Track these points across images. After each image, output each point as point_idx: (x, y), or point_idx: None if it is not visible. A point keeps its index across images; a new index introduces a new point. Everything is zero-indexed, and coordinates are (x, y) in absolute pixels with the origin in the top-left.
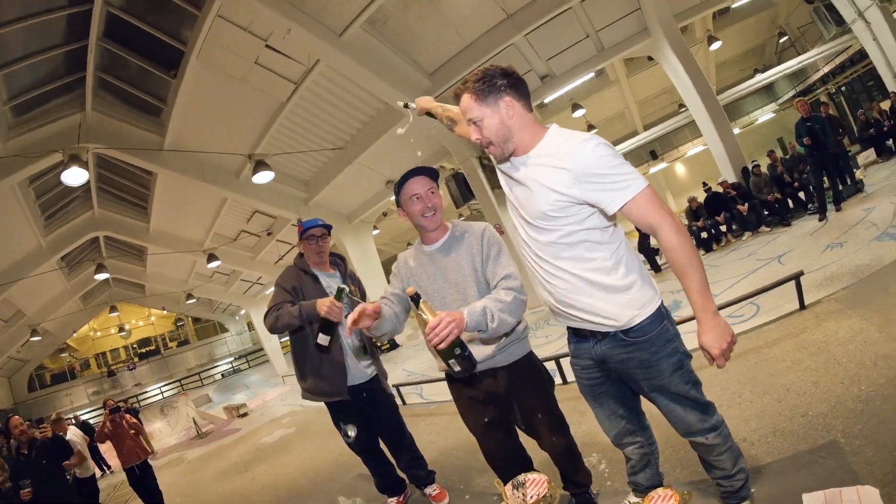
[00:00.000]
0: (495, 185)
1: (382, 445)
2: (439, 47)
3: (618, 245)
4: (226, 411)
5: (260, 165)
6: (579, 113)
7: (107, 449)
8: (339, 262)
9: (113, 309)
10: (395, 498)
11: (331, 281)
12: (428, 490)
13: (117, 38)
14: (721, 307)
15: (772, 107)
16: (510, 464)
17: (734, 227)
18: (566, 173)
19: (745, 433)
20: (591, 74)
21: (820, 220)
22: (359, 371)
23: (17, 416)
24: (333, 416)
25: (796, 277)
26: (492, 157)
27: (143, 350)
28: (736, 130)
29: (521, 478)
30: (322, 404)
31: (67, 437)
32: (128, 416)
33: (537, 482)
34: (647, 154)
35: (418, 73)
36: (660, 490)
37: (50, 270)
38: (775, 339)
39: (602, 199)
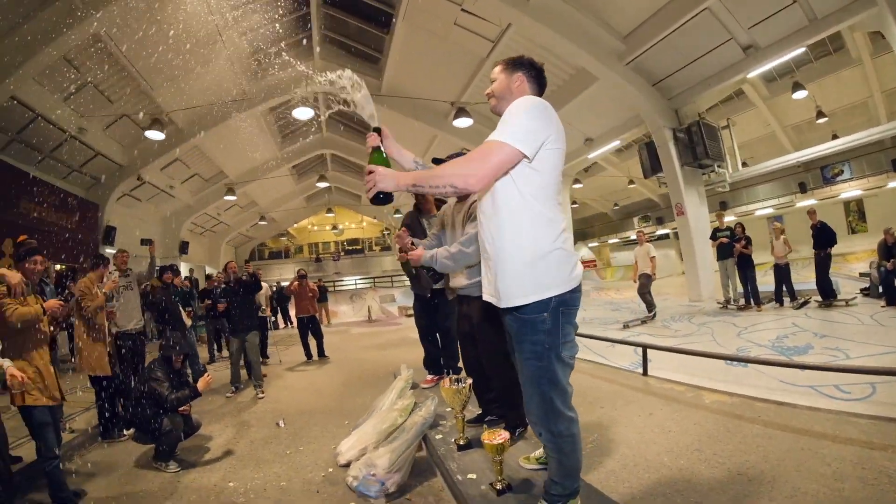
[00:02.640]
0: (686, 160)
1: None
2: (631, 10)
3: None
4: (399, 310)
5: (461, 112)
6: (800, 94)
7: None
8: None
9: (329, 210)
10: (431, 376)
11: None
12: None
13: (336, 3)
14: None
15: None
16: (475, 372)
17: None
18: None
19: None
20: (802, 49)
21: None
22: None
23: (232, 262)
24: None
25: None
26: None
27: (350, 248)
28: None
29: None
30: None
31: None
32: (309, 282)
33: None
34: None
35: (611, 36)
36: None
37: (282, 175)
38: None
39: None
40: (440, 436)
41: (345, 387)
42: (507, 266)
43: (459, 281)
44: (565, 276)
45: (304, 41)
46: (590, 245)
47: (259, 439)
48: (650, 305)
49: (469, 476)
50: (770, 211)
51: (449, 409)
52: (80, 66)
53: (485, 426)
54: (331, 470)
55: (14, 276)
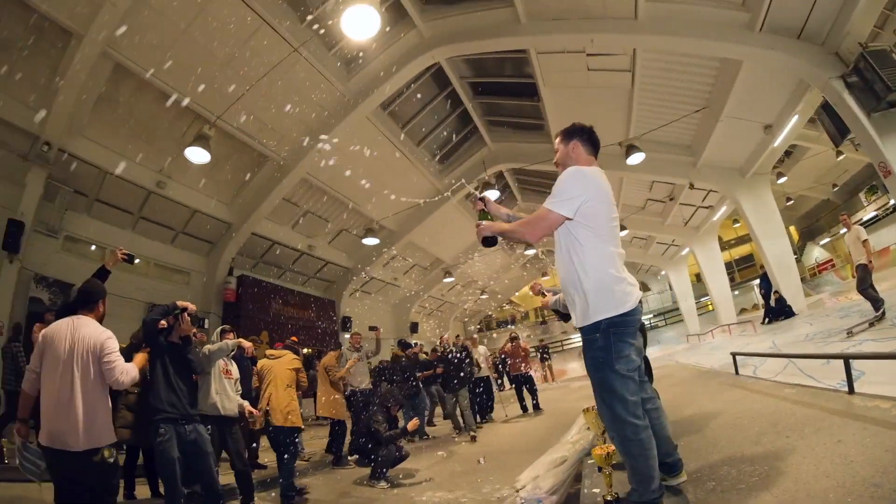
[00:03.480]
0: (870, 106)
1: None
2: None
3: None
4: None
5: (631, 149)
6: None
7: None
8: None
9: (544, 274)
10: None
11: None
12: None
13: (482, 92)
14: None
15: None
16: None
17: None
18: None
19: None
20: None
21: None
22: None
23: (445, 336)
24: None
25: None
26: None
27: None
28: None
29: None
30: None
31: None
32: (522, 343)
33: None
34: None
35: (729, 10)
36: None
37: (493, 252)
38: None
39: None
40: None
41: (549, 431)
42: (571, 296)
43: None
44: (615, 302)
45: (473, 131)
46: (821, 243)
47: (459, 471)
48: (876, 302)
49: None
50: None
51: None
52: (297, 201)
53: None
54: (506, 492)
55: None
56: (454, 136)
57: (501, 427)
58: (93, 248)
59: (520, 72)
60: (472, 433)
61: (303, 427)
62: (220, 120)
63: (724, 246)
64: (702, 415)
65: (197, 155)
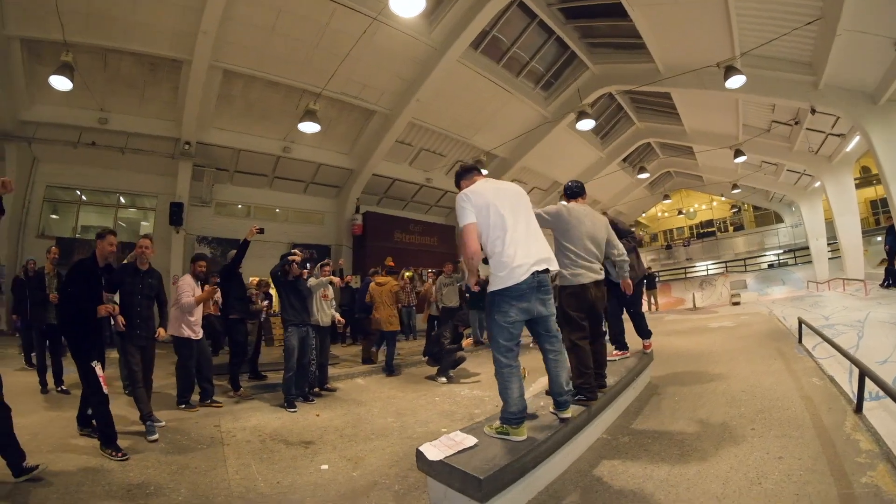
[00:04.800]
0: None
1: None
2: None
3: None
4: (732, 297)
5: (730, 71)
6: None
7: None
8: None
9: (665, 197)
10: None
11: None
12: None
13: (573, 16)
14: None
15: None
16: None
17: None
18: None
19: None
20: None
21: None
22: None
23: None
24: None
25: None
26: None
27: (703, 231)
28: None
29: None
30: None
31: None
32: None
33: None
34: None
35: None
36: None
37: (613, 172)
38: None
39: None
40: None
41: None
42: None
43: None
44: (499, 281)
45: (572, 56)
46: None
47: None
48: None
49: None
50: None
51: None
52: (410, 141)
53: None
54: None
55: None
56: (555, 63)
57: None
58: (239, 206)
59: None
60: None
61: (399, 329)
62: (324, 90)
63: (871, 181)
64: (713, 377)
65: (308, 127)
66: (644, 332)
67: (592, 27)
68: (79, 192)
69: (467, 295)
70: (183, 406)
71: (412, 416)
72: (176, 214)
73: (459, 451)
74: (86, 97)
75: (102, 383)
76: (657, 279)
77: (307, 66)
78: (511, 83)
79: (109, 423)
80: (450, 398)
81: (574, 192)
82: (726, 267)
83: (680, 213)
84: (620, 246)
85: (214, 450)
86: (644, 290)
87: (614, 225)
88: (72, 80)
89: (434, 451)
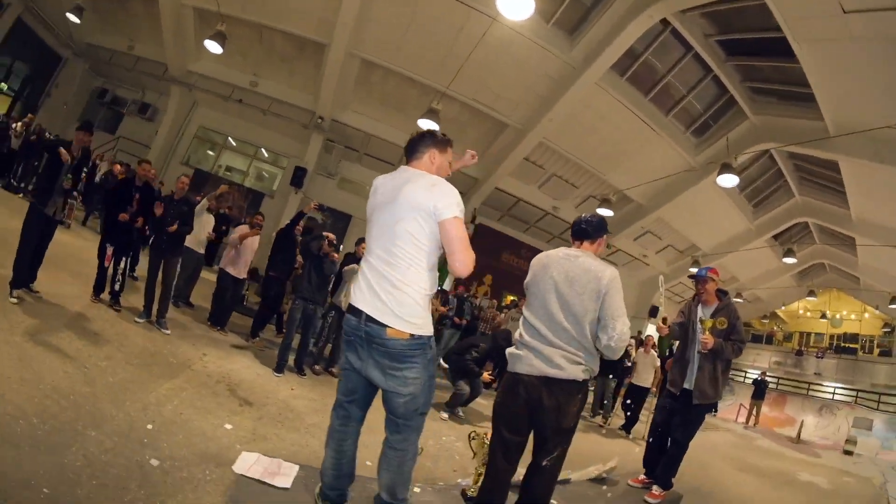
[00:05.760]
0: None
1: None
2: None
3: None
4: (846, 443)
5: None
6: None
7: None
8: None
9: (811, 293)
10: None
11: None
12: None
13: (733, 52)
14: None
15: None
16: None
17: None
18: None
19: None
20: None
21: None
22: None
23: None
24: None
25: None
26: None
27: (843, 345)
28: None
29: None
30: None
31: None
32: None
33: None
34: None
35: None
36: None
37: (760, 247)
38: None
39: None
40: None
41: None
42: None
43: None
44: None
45: (729, 103)
46: None
47: None
48: None
49: None
50: None
51: None
52: (542, 164)
53: None
54: None
55: None
56: (711, 106)
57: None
58: (365, 186)
59: (766, 23)
60: (601, 422)
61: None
62: (456, 93)
63: None
64: None
65: (425, 123)
66: (668, 474)
67: (755, 68)
68: (227, 138)
69: None
70: (209, 324)
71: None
72: (298, 178)
73: (264, 482)
74: (242, 62)
75: (105, 259)
76: (767, 386)
77: (441, 68)
78: (658, 121)
79: (100, 275)
80: (434, 438)
81: (578, 230)
82: (857, 396)
83: (823, 316)
84: (620, 328)
85: (175, 368)
86: (752, 398)
87: (730, 313)
88: (223, 46)
89: (247, 462)
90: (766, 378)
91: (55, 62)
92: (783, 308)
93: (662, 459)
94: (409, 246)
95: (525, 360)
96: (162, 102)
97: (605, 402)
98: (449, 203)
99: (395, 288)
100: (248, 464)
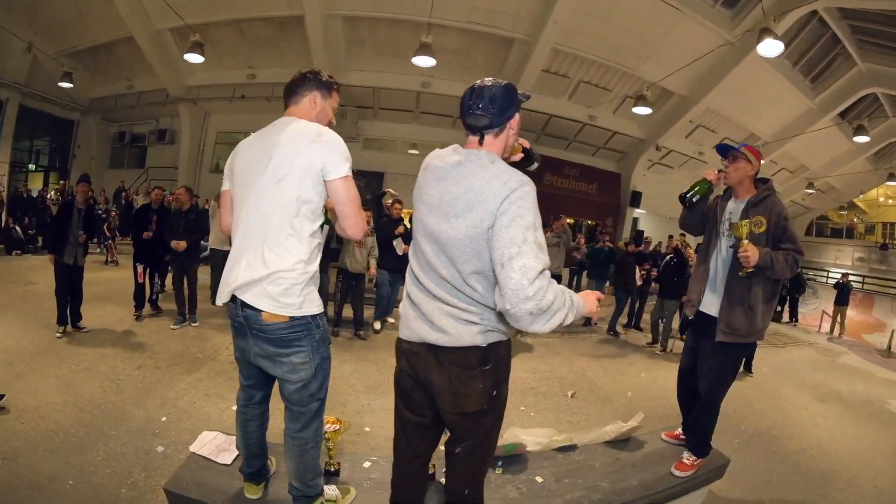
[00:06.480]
0: None
1: None
2: None
3: None
4: None
5: None
6: None
7: None
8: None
9: (891, 176)
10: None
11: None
12: None
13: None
14: None
15: None
16: None
17: None
18: None
19: None
20: None
21: None
22: None
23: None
24: None
25: None
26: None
27: None
28: None
29: None
30: None
31: None
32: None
33: None
34: None
35: None
36: None
37: (825, 127)
38: None
39: None
40: None
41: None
42: None
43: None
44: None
45: None
46: None
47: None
48: None
49: None
50: None
51: None
52: (564, 73)
53: None
54: None
55: None
56: None
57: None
58: (387, 140)
59: None
60: (659, 348)
61: None
62: (448, 20)
63: None
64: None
65: (423, 61)
66: (699, 438)
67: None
68: (245, 135)
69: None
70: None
71: (359, 399)
72: None
73: (209, 458)
74: (233, 60)
75: (137, 275)
76: (851, 290)
77: None
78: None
79: (137, 291)
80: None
81: (469, 116)
82: None
83: None
84: (517, 279)
85: (199, 361)
86: (835, 304)
87: (770, 209)
88: (203, 55)
89: (203, 441)
90: (850, 280)
91: (69, 127)
92: (861, 196)
93: (692, 414)
94: (286, 214)
95: (404, 320)
96: (176, 124)
97: (662, 324)
98: (338, 159)
99: (268, 265)
100: (204, 442)
